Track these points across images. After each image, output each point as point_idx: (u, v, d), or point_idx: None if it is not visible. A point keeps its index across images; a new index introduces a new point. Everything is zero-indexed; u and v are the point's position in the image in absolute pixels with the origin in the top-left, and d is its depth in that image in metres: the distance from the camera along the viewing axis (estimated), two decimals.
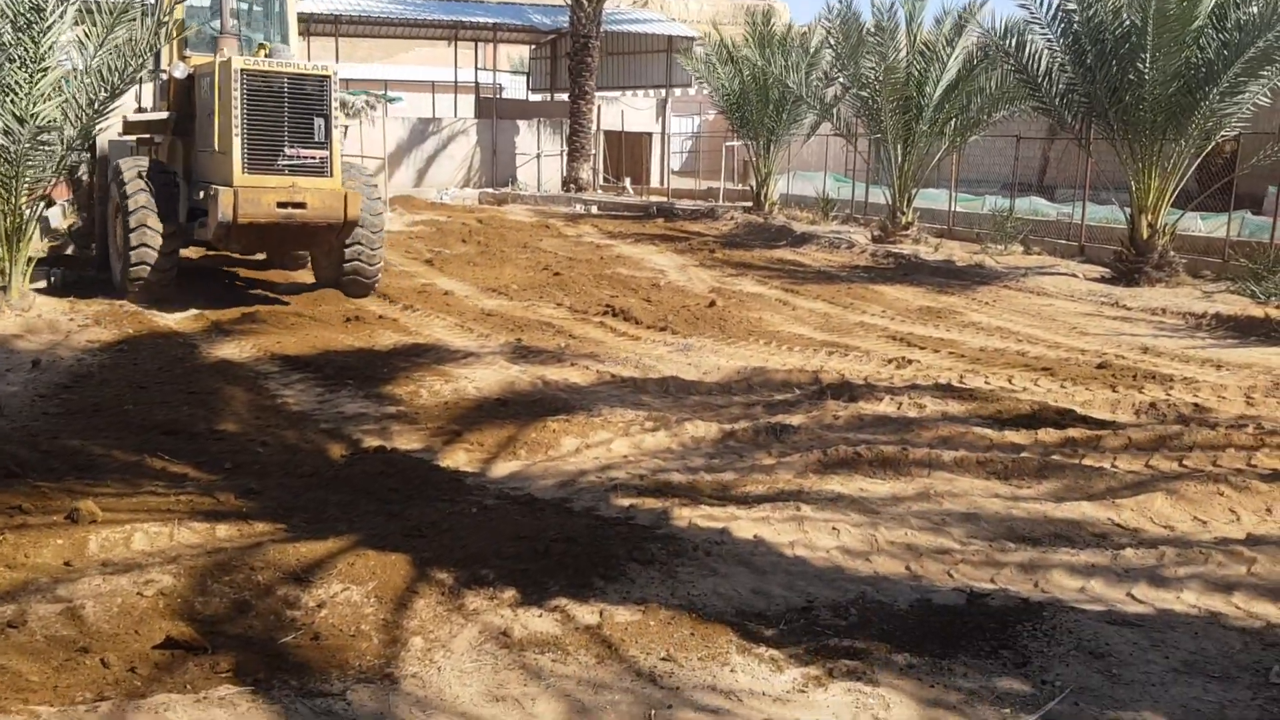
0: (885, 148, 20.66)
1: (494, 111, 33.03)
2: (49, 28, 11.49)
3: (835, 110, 22.78)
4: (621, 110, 33.92)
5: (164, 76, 13.08)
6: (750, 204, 25.58)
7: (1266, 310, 13.06)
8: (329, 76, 11.88)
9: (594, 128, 31.11)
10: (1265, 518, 6.20)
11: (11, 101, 11.34)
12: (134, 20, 11.80)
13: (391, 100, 39.41)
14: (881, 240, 20.12)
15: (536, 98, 39.57)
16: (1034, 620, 4.72)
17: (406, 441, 7.45)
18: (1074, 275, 16.41)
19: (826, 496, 6.39)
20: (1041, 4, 15.56)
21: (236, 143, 11.46)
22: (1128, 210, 16.25)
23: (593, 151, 31.14)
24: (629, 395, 8.83)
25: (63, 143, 11.93)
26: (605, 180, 32.39)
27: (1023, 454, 7.17)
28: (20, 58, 11.36)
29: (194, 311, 12.16)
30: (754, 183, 25.83)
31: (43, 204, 13.30)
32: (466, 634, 4.49)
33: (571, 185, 30.34)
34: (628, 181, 32.25)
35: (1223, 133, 15.32)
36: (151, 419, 7.67)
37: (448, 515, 5.79)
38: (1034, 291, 15.42)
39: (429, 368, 9.50)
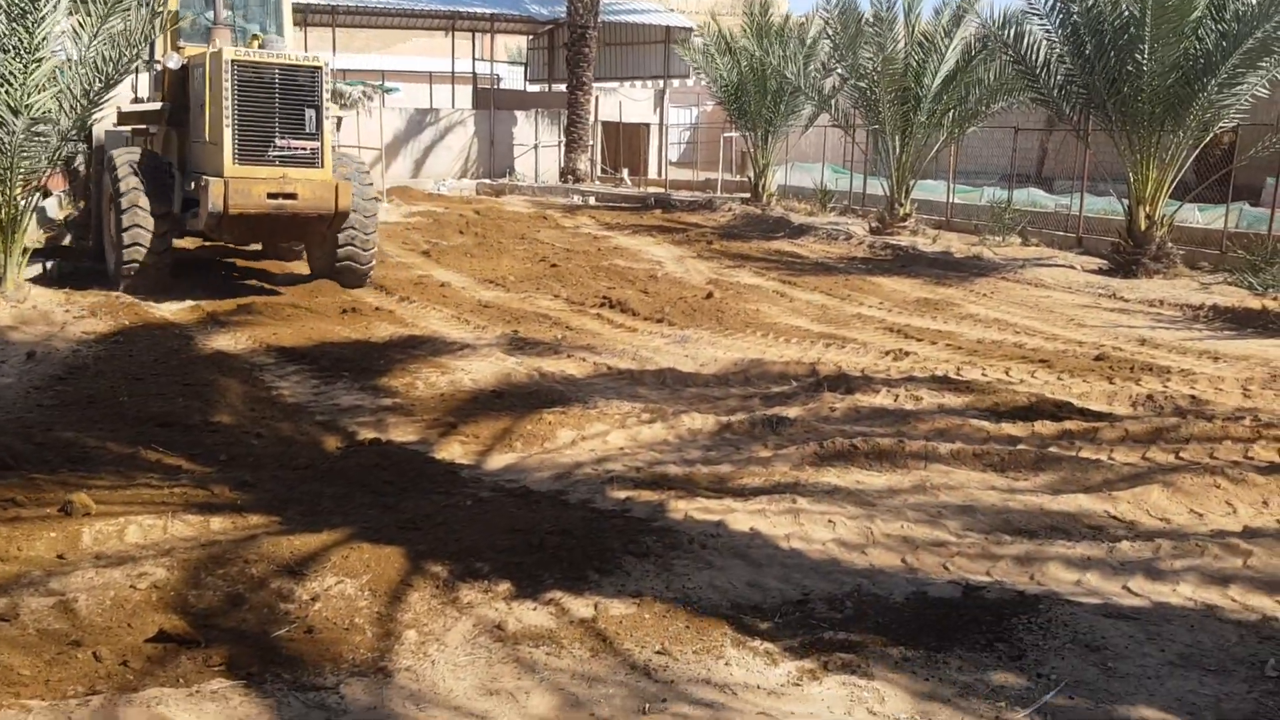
0: (883, 139, 20.62)
1: (491, 102, 32.94)
2: (43, 17, 11.42)
3: (833, 101, 22.73)
4: (619, 101, 33.83)
5: (158, 67, 13.04)
6: (748, 195, 25.53)
7: (1264, 302, 13.05)
8: (320, 68, 11.87)
9: (591, 119, 31.03)
10: (1262, 510, 6.19)
11: (6, 92, 11.28)
12: (128, 10, 11.75)
13: (388, 91, 39.32)
14: (879, 232, 20.09)
15: (534, 88, 39.48)
16: (1029, 613, 4.71)
17: (402, 434, 7.44)
18: (1072, 267, 16.39)
19: (823, 489, 6.38)
20: None
21: (227, 134, 11.46)
22: (1126, 202, 16.23)
23: (590, 142, 31.07)
24: (625, 387, 8.82)
25: (58, 133, 11.89)
26: (603, 171, 32.32)
27: (1019, 446, 7.16)
28: (14, 48, 11.30)
29: (190, 303, 12.12)
30: (752, 174, 25.78)
31: (39, 195, 13.27)
32: (461, 627, 4.48)
33: (569, 176, 30.27)
34: (625, 173, 32.19)
35: (1221, 124, 15.29)
36: (146, 411, 7.64)
37: (443, 508, 5.78)
38: (1031, 283, 15.40)
39: (425, 359, 9.48)
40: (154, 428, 7.24)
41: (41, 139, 11.74)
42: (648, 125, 34.48)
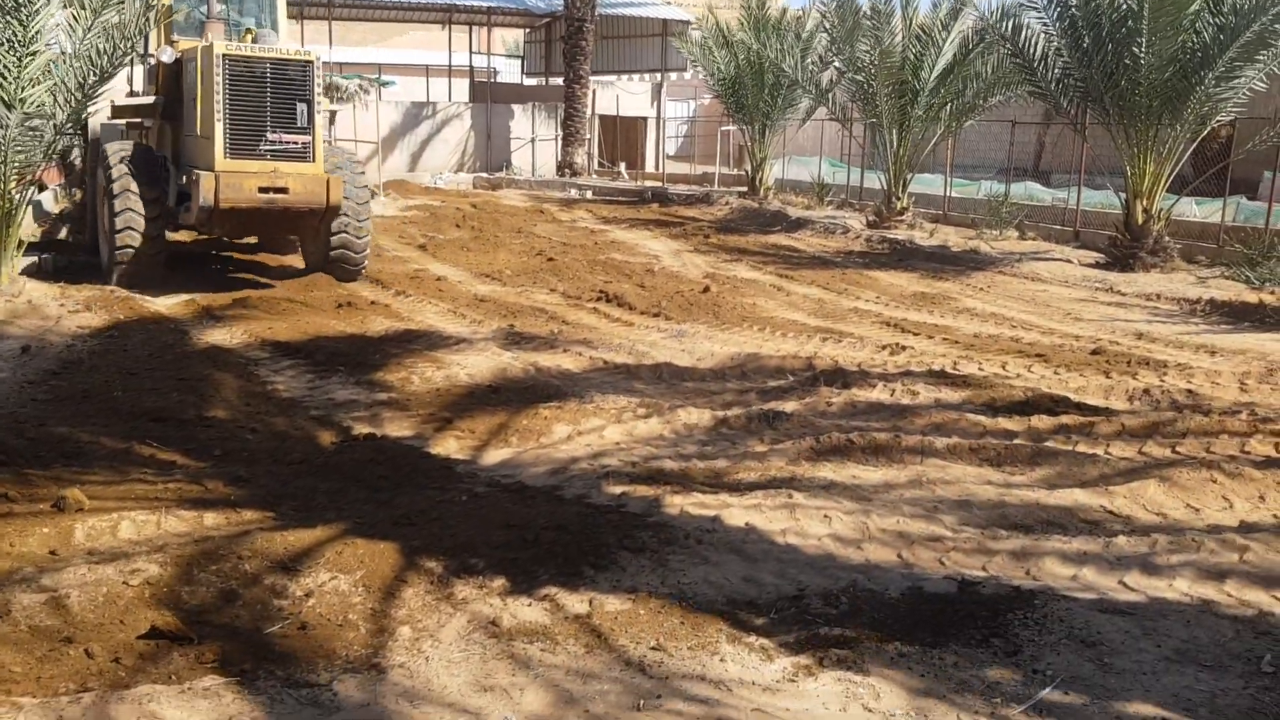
0: (880, 132, 20.58)
1: (488, 95, 32.87)
2: (37, 11, 11.40)
3: (831, 95, 22.69)
4: (617, 94, 33.77)
5: (152, 61, 13.01)
6: (745, 189, 25.49)
7: (1261, 296, 13.04)
8: (312, 62, 11.86)
9: (589, 112, 30.98)
10: (1258, 505, 6.18)
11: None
12: (122, 3, 11.71)
13: (385, 84, 39.28)
14: (876, 225, 20.07)
15: (531, 82, 39.40)
16: (1025, 608, 4.70)
17: (397, 428, 7.41)
18: (1069, 261, 16.37)
19: (819, 484, 6.37)
20: None
21: (218, 128, 11.44)
22: (1123, 195, 16.21)
23: (587, 136, 31.02)
24: (622, 382, 8.80)
25: (52, 127, 11.84)
26: (600, 165, 32.27)
27: (1016, 441, 7.15)
28: (8, 41, 11.26)
29: (185, 297, 12.09)
30: (749, 167, 25.74)
31: (34, 189, 13.23)
32: (455, 623, 4.46)
33: (566, 170, 30.22)
34: (623, 166, 32.14)
35: (1218, 118, 15.27)
36: (140, 406, 7.61)
37: (437, 503, 5.76)
38: (1028, 277, 15.38)
39: (421, 354, 9.45)
40: (148, 423, 7.21)
41: (36, 133, 11.70)
42: (645, 119, 34.42)
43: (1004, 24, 16.48)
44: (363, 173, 13.56)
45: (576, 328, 11.04)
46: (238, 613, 4.46)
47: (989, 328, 11.58)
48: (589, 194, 27.31)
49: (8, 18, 11.20)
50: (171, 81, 12.74)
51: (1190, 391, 8.51)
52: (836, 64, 22.12)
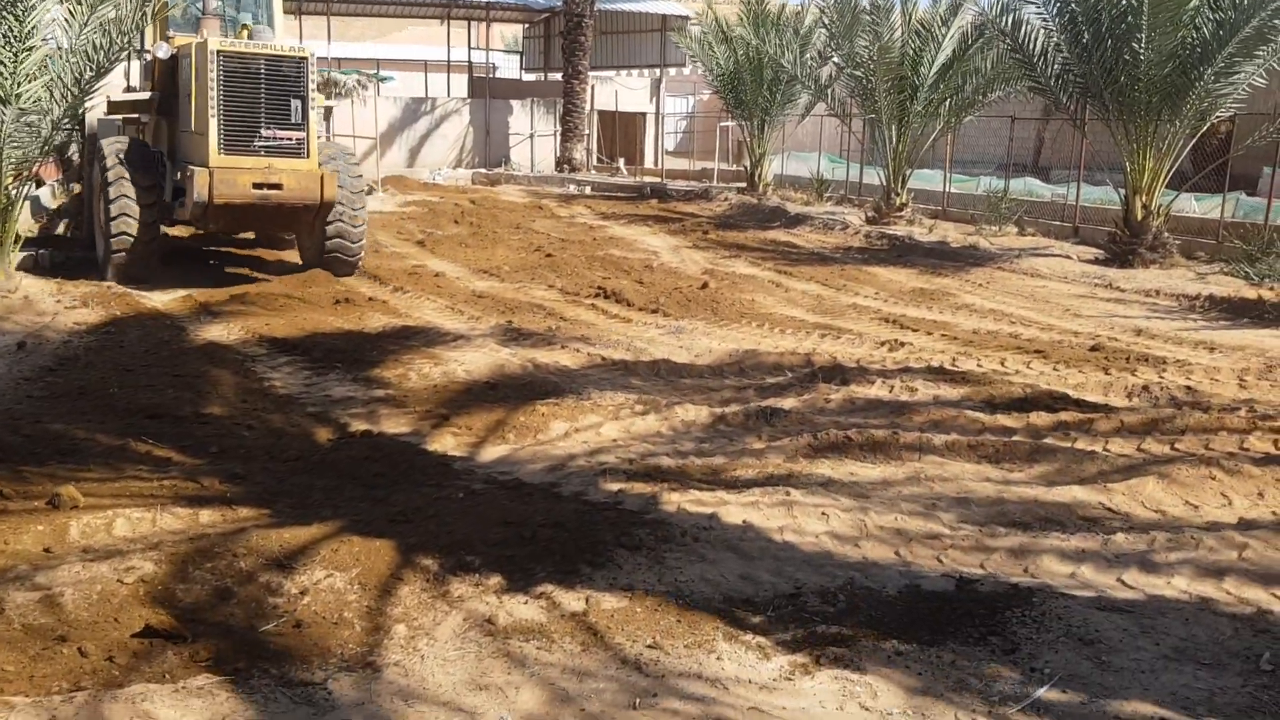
0: (880, 128, 20.54)
1: (487, 91, 32.81)
2: (33, 5, 11.35)
3: (830, 90, 22.64)
4: (615, 90, 33.71)
5: (148, 56, 12.99)
6: (744, 185, 25.45)
7: (1260, 292, 13.02)
8: (306, 58, 11.87)
9: (588, 108, 30.92)
10: (1257, 502, 6.17)
11: None
12: None
13: (383, 79, 39.17)
14: (875, 221, 20.03)
15: (530, 77, 39.32)
16: (1023, 606, 4.68)
17: (394, 425, 7.39)
18: (1068, 257, 16.35)
19: (816, 481, 6.35)
20: None
21: (212, 124, 11.45)
22: (1122, 191, 16.19)
23: (586, 132, 30.96)
24: (620, 378, 8.77)
25: (49, 122, 11.80)
26: (599, 161, 32.22)
27: (1014, 437, 7.13)
28: (4, 36, 11.22)
29: (182, 293, 12.07)
30: (748, 163, 25.70)
31: (31, 184, 13.19)
32: (451, 621, 4.45)
33: (565, 166, 30.17)
34: (621, 162, 32.09)
35: (1218, 113, 15.24)
36: (137, 402, 7.59)
37: (434, 500, 5.74)
38: (1028, 273, 15.36)
39: (418, 350, 9.43)
40: (144, 419, 7.19)
41: (32, 128, 11.66)
42: (644, 114, 34.37)
43: (1003, 19, 16.44)
44: (358, 168, 13.54)
45: (574, 324, 11.02)
46: (232, 611, 4.44)
47: (988, 324, 11.56)
48: (588, 190, 27.27)
49: (4, 13, 11.16)
50: (167, 77, 12.74)
51: (1189, 388, 8.50)
52: (835, 59, 22.07)
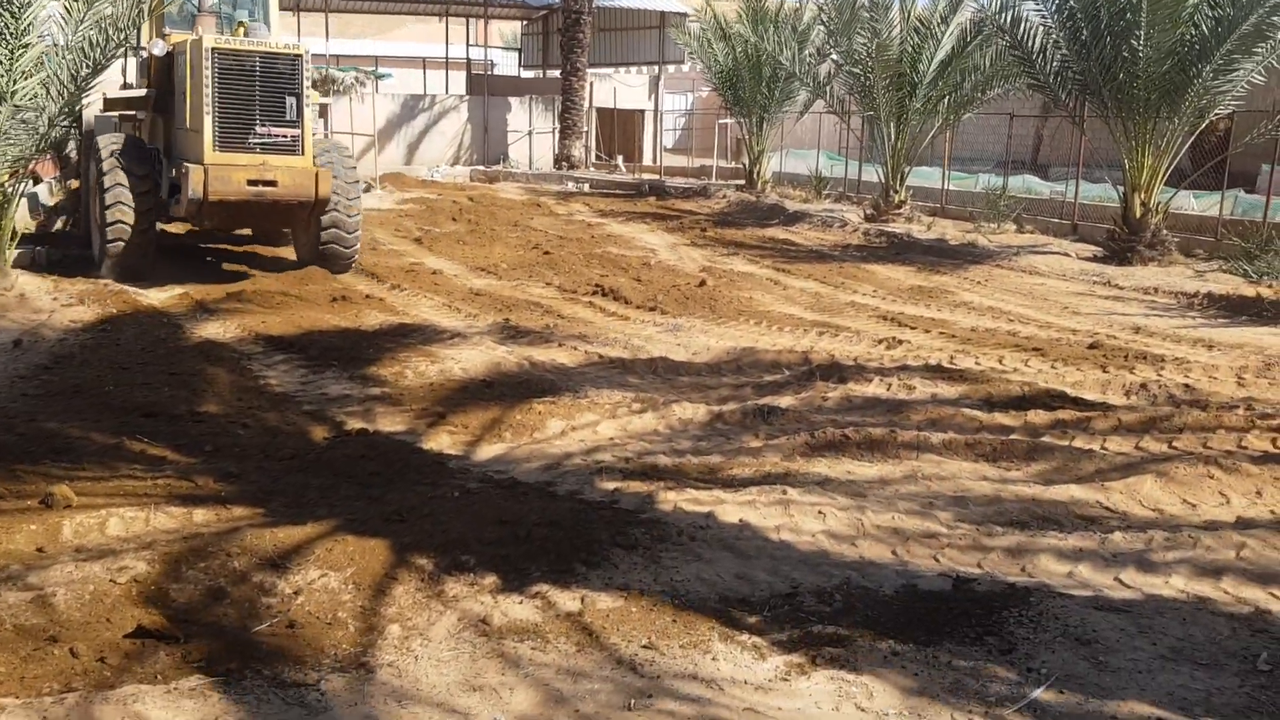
0: (878, 125, 20.51)
1: (485, 88, 32.76)
2: (29, 2, 11.30)
3: (828, 87, 22.61)
4: (614, 87, 33.66)
5: (145, 54, 12.98)
6: (743, 182, 25.42)
7: (1258, 289, 13.00)
8: (300, 56, 11.88)
9: (586, 105, 30.86)
10: (1255, 500, 6.15)
11: None
12: None
13: (381, 76, 39.14)
14: (874, 219, 20.00)
15: (528, 74, 39.28)
16: (1020, 606, 4.66)
17: (390, 424, 7.37)
18: (1067, 254, 16.33)
19: (813, 479, 6.33)
20: None
21: (207, 121, 11.46)
22: (1121, 189, 16.16)
23: (585, 129, 30.91)
24: (617, 376, 8.75)
25: (46, 119, 11.77)
26: (597, 158, 32.18)
27: (1012, 436, 7.11)
28: (0, 32, 11.17)
29: (179, 290, 12.04)
30: (747, 160, 25.66)
31: (28, 181, 13.16)
32: (445, 621, 4.43)
33: (563, 163, 30.12)
34: (620, 159, 32.04)
35: (1216, 111, 15.21)
36: (132, 401, 7.57)
37: (429, 499, 5.72)
38: (1026, 270, 15.33)
39: (415, 348, 9.41)
40: (139, 418, 7.17)
41: (28, 125, 11.62)
42: (642, 111, 34.31)
43: (1002, 16, 16.39)
44: (354, 165, 13.53)
45: (572, 322, 11.00)
46: (226, 611, 4.42)
47: (986, 321, 11.54)
48: (586, 187, 27.23)
49: (0, 9, 11.12)
50: (163, 74, 12.74)
51: (1187, 386, 8.48)
52: (834, 56, 22.01)
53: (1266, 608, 4.75)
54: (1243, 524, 5.72)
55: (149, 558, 4.78)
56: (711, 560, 5.10)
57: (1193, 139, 15.84)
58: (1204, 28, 14.07)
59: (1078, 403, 7.97)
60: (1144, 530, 5.59)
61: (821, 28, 22.23)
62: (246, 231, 15.07)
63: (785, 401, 7.90)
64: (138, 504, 5.49)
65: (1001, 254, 16.41)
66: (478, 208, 21.38)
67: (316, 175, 11.84)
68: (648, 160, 32.99)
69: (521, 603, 4.59)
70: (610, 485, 6.13)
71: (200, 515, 5.41)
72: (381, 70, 40.63)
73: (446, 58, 35.84)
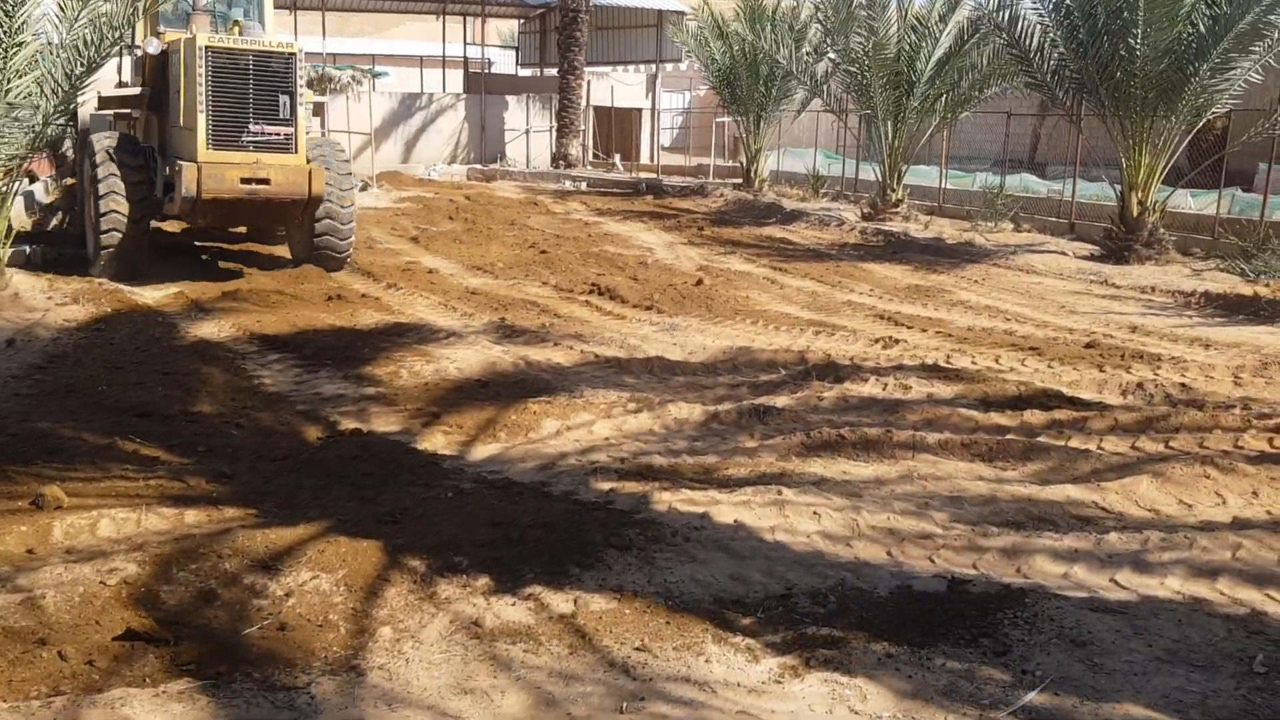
0: (876, 124, 20.48)
1: (482, 87, 32.72)
2: (23, 1, 11.26)
3: (826, 86, 22.59)
4: (611, 86, 33.62)
5: (139, 52, 12.95)
6: (740, 181, 25.40)
7: (1255, 288, 12.99)
8: (294, 54, 11.87)
9: (583, 103, 30.83)
10: (1252, 501, 6.13)
11: None
12: None
13: (378, 75, 39.10)
14: (871, 217, 19.98)
15: (526, 73, 39.24)
16: (1015, 607, 4.64)
17: (384, 424, 7.34)
18: (1064, 253, 16.31)
19: (809, 479, 6.30)
20: None
21: (201, 119, 11.46)
22: (1118, 187, 16.15)
23: (582, 127, 30.88)
24: (613, 376, 8.72)
25: (40, 118, 11.73)
26: (595, 156, 32.15)
27: (1008, 436, 7.09)
28: None
29: (174, 288, 12.01)
30: (744, 159, 25.65)
31: (23, 179, 13.12)
32: (437, 624, 4.40)
33: (560, 161, 30.09)
34: (617, 158, 32.02)
35: (1213, 109, 15.20)
36: (125, 400, 7.54)
37: (422, 500, 5.69)
38: (1023, 269, 15.32)
39: (410, 348, 9.38)
40: (132, 418, 7.13)
41: (22, 124, 11.58)
42: (640, 110, 34.28)
43: (1000, 14, 16.39)
44: (348, 163, 13.52)
45: (568, 321, 10.97)
46: (216, 613, 4.39)
47: (983, 321, 11.52)
48: (583, 186, 27.20)
49: None
50: (157, 73, 12.72)
51: (1184, 385, 8.46)
52: (831, 55, 21.99)
53: (1262, 609, 4.73)
54: (1239, 524, 5.70)
55: (140, 559, 4.75)
56: (706, 561, 5.08)
57: (1190, 138, 15.84)
58: (1201, 26, 14.06)
59: (1074, 402, 7.95)
60: (1140, 531, 5.57)
61: (819, 26, 22.23)
62: (242, 230, 15.04)
63: (781, 401, 7.88)
64: (129, 505, 5.46)
65: (998, 253, 16.40)
66: (474, 206, 21.35)
67: (309, 173, 11.84)
68: (645, 159, 32.98)
69: (514, 605, 4.56)
70: (605, 486, 6.10)
71: (192, 516, 5.38)
72: (379, 69, 40.60)
73: (444, 56, 35.80)
